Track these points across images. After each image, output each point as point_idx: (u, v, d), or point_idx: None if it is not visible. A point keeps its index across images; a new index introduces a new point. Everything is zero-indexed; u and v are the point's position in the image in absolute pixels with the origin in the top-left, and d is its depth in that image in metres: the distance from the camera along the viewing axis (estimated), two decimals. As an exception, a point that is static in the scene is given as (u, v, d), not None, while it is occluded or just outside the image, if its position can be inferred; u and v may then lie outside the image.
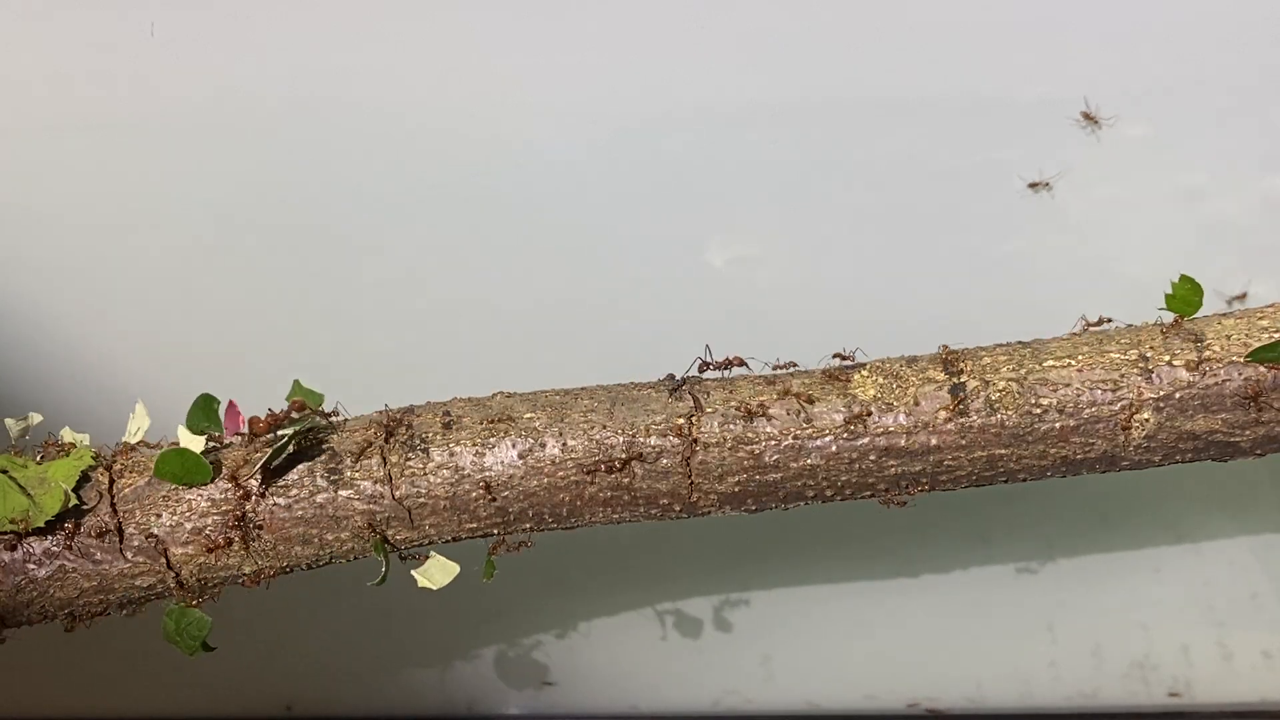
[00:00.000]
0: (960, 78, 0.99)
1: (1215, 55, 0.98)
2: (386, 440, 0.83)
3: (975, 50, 0.99)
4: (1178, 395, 0.81)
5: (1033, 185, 1.00)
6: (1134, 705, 1.17)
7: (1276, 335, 0.80)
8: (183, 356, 1.08)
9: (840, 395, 0.83)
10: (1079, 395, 0.81)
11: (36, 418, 0.87)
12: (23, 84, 1.01)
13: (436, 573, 0.85)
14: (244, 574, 0.84)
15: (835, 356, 0.86)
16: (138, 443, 0.87)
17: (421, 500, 0.83)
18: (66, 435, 0.87)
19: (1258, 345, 0.80)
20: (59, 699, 1.18)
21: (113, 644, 1.12)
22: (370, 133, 1.02)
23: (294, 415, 0.82)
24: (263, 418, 0.82)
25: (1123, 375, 0.81)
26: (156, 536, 0.82)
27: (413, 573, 0.85)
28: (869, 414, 0.81)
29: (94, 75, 1.00)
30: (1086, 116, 0.97)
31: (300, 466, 0.83)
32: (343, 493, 0.82)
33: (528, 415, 0.83)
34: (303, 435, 0.82)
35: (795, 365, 0.86)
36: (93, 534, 0.82)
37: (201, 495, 0.82)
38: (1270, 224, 1.03)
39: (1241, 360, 0.80)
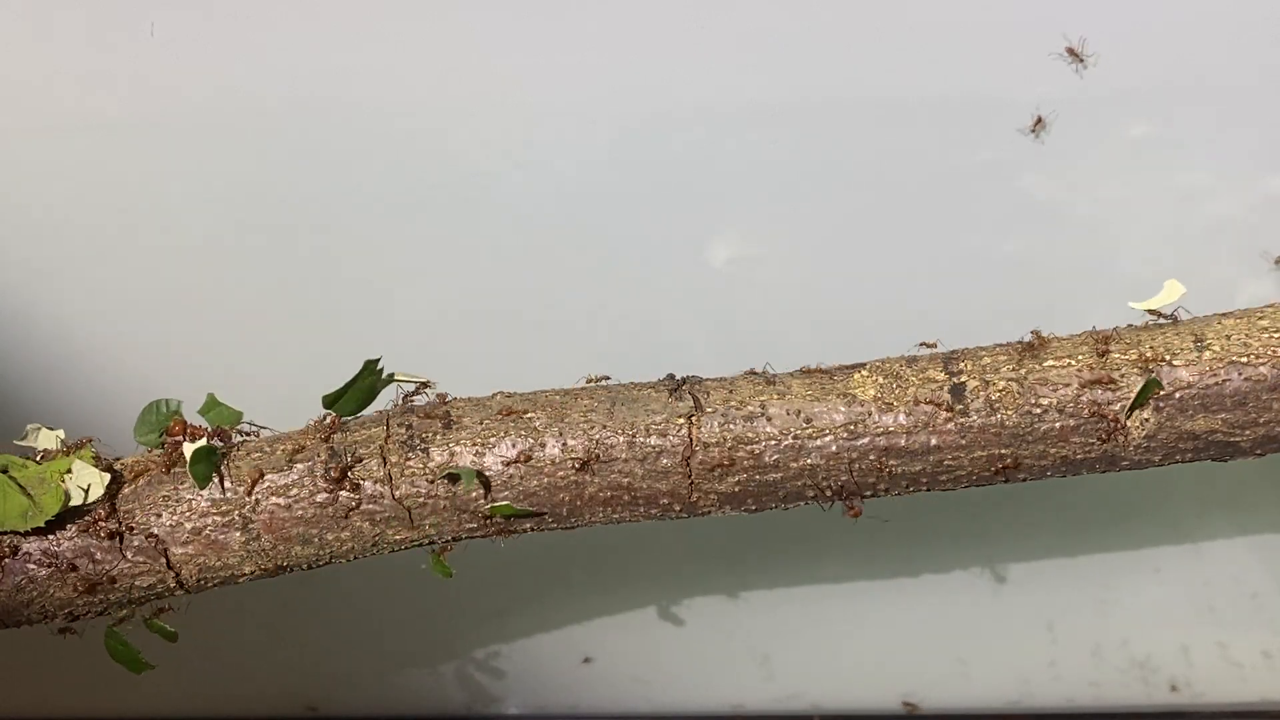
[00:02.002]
0: (960, 78, 0.99)
1: (1215, 55, 0.98)
2: (386, 440, 0.83)
3: (975, 50, 0.99)
4: (1178, 395, 0.81)
5: (1036, 124, 0.98)
6: (1134, 705, 1.17)
7: (1277, 335, 0.80)
8: (182, 356, 1.08)
9: (840, 395, 0.83)
10: (1079, 395, 0.81)
11: (34, 427, 0.87)
12: (23, 84, 1.01)
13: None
14: (244, 573, 0.84)
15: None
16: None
17: (421, 500, 0.83)
18: (42, 435, 0.86)
19: (1258, 343, 0.80)
20: (72, 699, 1.19)
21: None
22: (370, 133, 1.02)
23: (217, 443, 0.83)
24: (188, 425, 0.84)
25: (1123, 375, 0.81)
26: (156, 536, 0.82)
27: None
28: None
29: (94, 75, 1.00)
30: (1071, 53, 0.97)
31: (300, 467, 0.83)
32: (343, 493, 0.82)
33: (528, 415, 0.83)
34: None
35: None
36: (92, 534, 0.82)
37: (202, 495, 0.82)
38: (1270, 224, 1.03)
39: (1243, 360, 0.80)
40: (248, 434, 0.85)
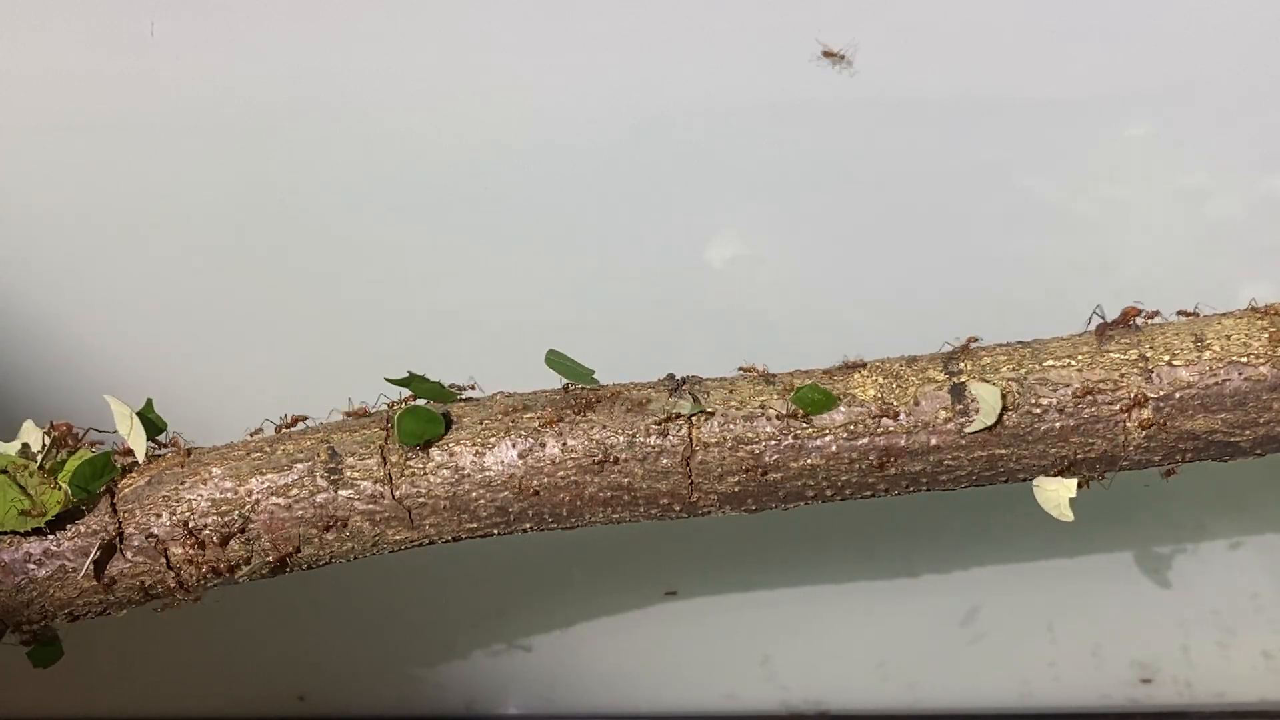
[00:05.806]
0: (960, 78, 0.99)
1: (1215, 55, 0.98)
2: (386, 440, 0.83)
3: (975, 50, 0.99)
4: (1178, 395, 0.81)
5: (827, 54, 0.97)
6: (1134, 705, 1.17)
7: (1277, 335, 0.80)
8: (182, 356, 1.08)
9: (840, 395, 0.83)
10: (1079, 395, 0.81)
11: (27, 426, 0.86)
12: (23, 84, 1.01)
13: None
14: (244, 574, 0.84)
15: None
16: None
17: (421, 500, 0.83)
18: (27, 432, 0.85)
19: (1259, 344, 0.80)
20: (72, 699, 1.19)
21: (127, 640, 1.12)
22: (369, 133, 1.02)
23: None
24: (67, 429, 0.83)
25: (1123, 375, 0.81)
26: (156, 536, 0.82)
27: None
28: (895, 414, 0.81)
29: (94, 75, 1.00)
30: (828, 54, 0.96)
31: (300, 466, 0.83)
32: (343, 493, 0.82)
33: (528, 415, 0.83)
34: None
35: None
36: (93, 534, 0.82)
37: (202, 495, 0.82)
38: (1270, 224, 1.03)
39: (1243, 360, 0.80)
40: (164, 445, 0.86)
